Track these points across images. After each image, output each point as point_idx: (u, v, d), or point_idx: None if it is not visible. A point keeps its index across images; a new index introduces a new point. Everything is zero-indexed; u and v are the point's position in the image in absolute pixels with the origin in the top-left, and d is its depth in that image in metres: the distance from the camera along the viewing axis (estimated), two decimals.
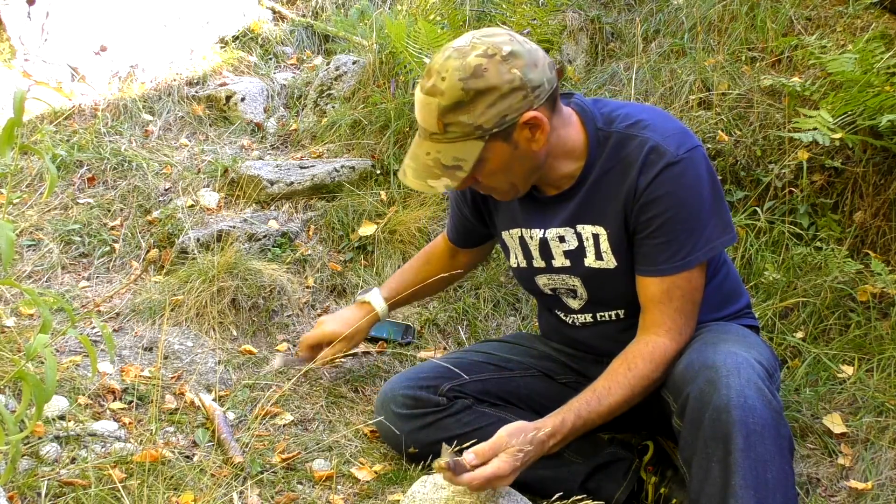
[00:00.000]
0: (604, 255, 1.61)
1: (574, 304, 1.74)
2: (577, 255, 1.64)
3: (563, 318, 1.79)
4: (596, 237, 1.60)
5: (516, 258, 1.75)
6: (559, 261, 1.66)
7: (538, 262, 1.70)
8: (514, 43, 1.45)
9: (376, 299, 2.01)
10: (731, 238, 1.57)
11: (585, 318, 1.75)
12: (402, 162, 1.57)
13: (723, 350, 1.43)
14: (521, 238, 1.71)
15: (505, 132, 1.46)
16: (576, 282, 1.68)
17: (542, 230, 1.66)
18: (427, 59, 2.86)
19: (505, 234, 1.76)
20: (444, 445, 1.43)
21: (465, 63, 1.42)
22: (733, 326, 1.63)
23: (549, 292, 1.75)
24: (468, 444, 1.45)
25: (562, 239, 1.64)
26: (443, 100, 1.43)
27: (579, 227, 1.61)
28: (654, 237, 1.53)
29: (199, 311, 2.33)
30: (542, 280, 1.73)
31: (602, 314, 1.72)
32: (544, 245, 1.67)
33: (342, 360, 2.33)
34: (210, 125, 3.51)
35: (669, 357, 1.53)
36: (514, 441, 1.42)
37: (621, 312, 1.69)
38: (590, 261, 1.63)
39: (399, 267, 2.66)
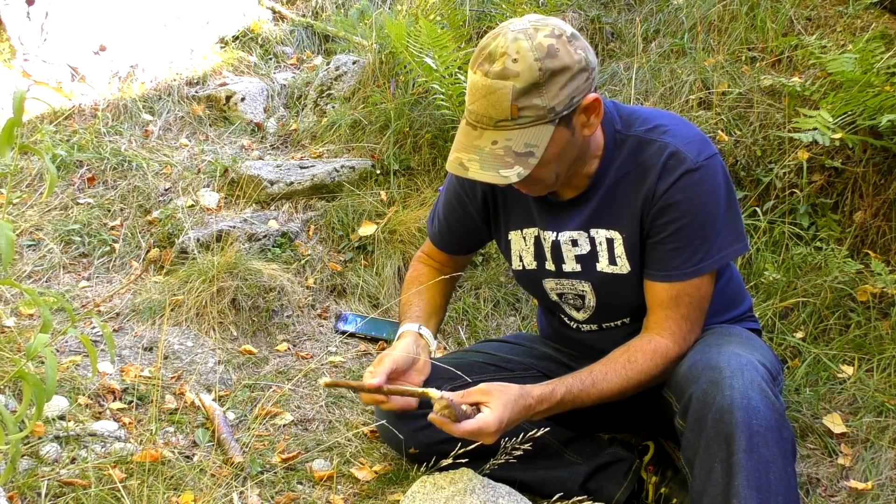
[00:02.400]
0: (618, 259, 1.59)
1: (579, 315, 1.73)
2: (588, 259, 1.62)
3: (567, 322, 1.78)
4: (610, 242, 1.59)
5: (522, 260, 1.72)
6: (570, 265, 1.65)
7: (549, 265, 1.68)
8: (568, 26, 1.44)
9: (425, 332, 1.74)
10: (742, 247, 1.57)
11: (591, 327, 1.74)
12: (451, 158, 1.46)
13: (727, 351, 1.43)
14: (537, 238, 1.68)
15: (568, 116, 1.43)
16: (585, 287, 1.66)
17: (555, 233, 1.64)
18: (428, 59, 2.85)
19: (514, 234, 1.72)
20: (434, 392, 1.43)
21: (538, 43, 1.38)
22: (737, 329, 1.62)
23: (555, 297, 1.73)
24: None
25: (574, 243, 1.62)
26: (518, 82, 1.37)
27: (593, 232, 1.60)
28: (668, 242, 1.52)
29: (199, 311, 2.33)
30: (549, 284, 1.72)
31: (608, 323, 1.72)
32: (556, 248, 1.65)
33: (342, 360, 2.33)
34: (210, 125, 3.51)
35: (670, 358, 1.53)
36: (499, 400, 1.42)
37: (627, 319, 1.69)
38: (602, 266, 1.61)
39: (397, 273, 2.67)
